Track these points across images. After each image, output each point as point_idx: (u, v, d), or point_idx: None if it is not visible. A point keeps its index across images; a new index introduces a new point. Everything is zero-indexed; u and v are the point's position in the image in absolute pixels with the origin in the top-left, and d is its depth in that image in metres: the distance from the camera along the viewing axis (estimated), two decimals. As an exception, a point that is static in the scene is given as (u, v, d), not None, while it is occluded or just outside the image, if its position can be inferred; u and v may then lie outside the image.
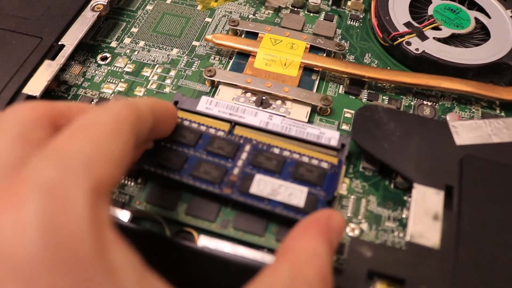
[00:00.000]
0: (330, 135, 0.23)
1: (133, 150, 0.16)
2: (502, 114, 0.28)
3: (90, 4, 0.29)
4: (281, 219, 0.21)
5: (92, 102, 0.27)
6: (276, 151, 0.23)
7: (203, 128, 0.23)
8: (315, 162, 0.23)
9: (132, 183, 0.23)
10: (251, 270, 0.20)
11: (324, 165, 0.23)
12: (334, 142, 0.23)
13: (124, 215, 0.21)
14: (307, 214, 0.20)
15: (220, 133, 0.23)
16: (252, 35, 0.30)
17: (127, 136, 0.16)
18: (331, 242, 0.18)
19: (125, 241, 0.14)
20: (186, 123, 0.24)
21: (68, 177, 0.13)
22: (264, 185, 0.21)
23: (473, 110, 0.28)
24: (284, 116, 0.25)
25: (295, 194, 0.21)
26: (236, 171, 0.22)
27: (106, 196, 0.14)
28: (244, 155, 0.23)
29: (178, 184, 0.22)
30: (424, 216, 0.21)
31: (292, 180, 0.22)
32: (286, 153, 0.23)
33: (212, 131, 0.23)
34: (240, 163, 0.22)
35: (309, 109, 0.26)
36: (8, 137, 0.15)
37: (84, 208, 0.13)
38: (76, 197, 0.13)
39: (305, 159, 0.23)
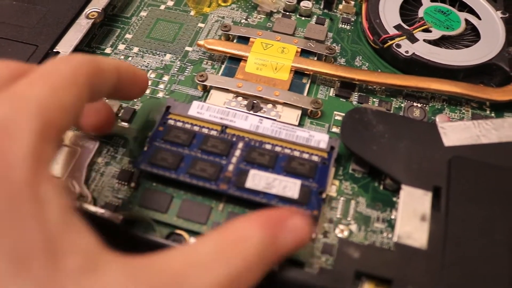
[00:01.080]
0: (320, 138, 0.24)
1: (87, 103, 0.18)
2: (492, 114, 0.28)
3: (84, 12, 0.30)
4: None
5: (87, 108, 0.27)
6: (268, 147, 0.24)
7: (196, 128, 0.24)
8: (306, 156, 0.23)
9: (125, 187, 0.24)
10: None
11: (315, 158, 0.23)
12: (323, 145, 0.24)
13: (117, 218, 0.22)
14: (301, 205, 0.22)
15: (213, 132, 0.24)
16: (244, 40, 0.30)
17: (82, 88, 0.17)
18: (274, 238, 0.17)
19: (62, 189, 0.15)
20: (180, 124, 0.24)
21: (20, 115, 0.15)
22: (259, 180, 0.22)
23: (463, 111, 0.28)
24: (275, 120, 0.25)
25: (289, 187, 0.22)
26: (231, 167, 0.23)
27: (53, 141, 0.16)
28: (237, 152, 0.23)
29: (175, 183, 0.23)
30: (412, 217, 0.22)
31: (285, 174, 0.23)
32: (278, 149, 0.24)
33: (205, 130, 0.24)
34: (234, 159, 0.23)
35: (299, 112, 0.26)
36: None
37: (28, 142, 0.14)
38: (23, 132, 0.15)
39: (297, 154, 0.23)
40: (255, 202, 0.22)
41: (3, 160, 0.14)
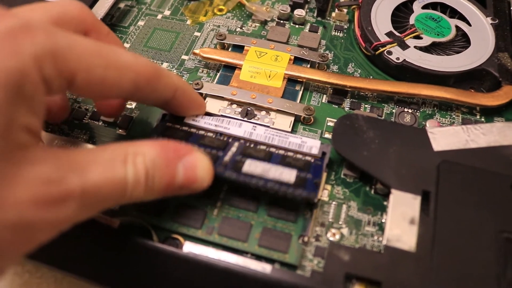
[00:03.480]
0: (312, 144, 0.24)
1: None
2: (482, 119, 0.28)
3: (83, 22, 0.31)
4: (270, 202, 0.23)
5: (86, 116, 0.28)
6: (263, 147, 0.24)
7: (193, 130, 0.25)
8: (299, 156, 0.24)
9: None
10: (234, 274, 0.21)
11: (308, 158, 0.24)
12: (315, 151, 0.24)
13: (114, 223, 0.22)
14: (298, 188, 0.21)
15: (210, 134, 0.25)
16: (239, 48, 0.31)
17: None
18: (167, 163, 0.19)
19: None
20: (177, 126, 0.25)
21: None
22: (255, 166, 0.22)
23: (454, 116, 0.28)
24: (268, 126, 0.26)
25: (285, 173, 0.22)
26: (227, 158, 0.23)
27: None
28: (233, 149, 0.24)
29: None
30: (401, 220, 0.22)
31: (281, 166, 0.23)
32: (272, 149, 0.24)
33: (201, 132, 0.25)
34: (230, 153, 0.23)
35: (292, 119, 0.27)
36: None
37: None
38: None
39: (290, 154, 0.24)
40: (251, 185, 0.22)
41: None
